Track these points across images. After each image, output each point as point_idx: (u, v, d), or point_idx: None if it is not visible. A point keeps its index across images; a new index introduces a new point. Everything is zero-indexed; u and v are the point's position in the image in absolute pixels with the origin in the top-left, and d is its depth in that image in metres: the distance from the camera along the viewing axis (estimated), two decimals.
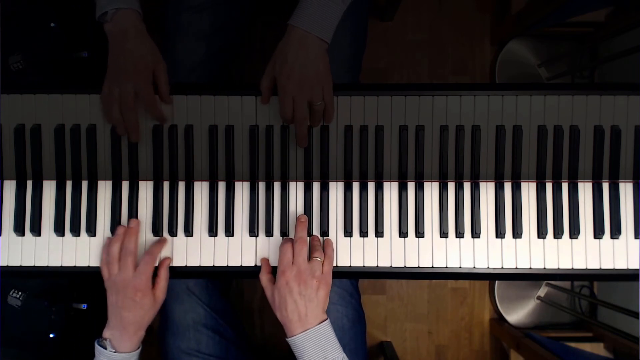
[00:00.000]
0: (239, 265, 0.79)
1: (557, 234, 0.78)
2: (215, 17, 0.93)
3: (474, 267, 0.79)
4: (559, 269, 0.78)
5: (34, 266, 0.78)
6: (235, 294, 1.50)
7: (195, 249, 0.79)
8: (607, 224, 0.79)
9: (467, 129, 0.78)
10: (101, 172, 0.79)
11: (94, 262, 0.78)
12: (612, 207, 0.79)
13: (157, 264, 0.77)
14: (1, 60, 0.94)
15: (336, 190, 0.79)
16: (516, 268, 0.79)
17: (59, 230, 0.78)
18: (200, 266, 0.79)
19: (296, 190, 0.80)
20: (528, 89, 0.79)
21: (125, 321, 0.73)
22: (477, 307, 1.53)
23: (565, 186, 0.79)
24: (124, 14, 0.73)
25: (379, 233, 0.78)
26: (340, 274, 0.79)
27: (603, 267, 0.79)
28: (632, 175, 0.79)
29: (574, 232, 0.78)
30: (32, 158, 0.78)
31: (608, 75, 1.47)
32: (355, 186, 0.79)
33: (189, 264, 0.78)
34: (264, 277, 0.76)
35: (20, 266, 0.78)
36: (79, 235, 0.78)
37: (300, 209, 0.79)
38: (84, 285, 1.02)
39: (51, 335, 0.98)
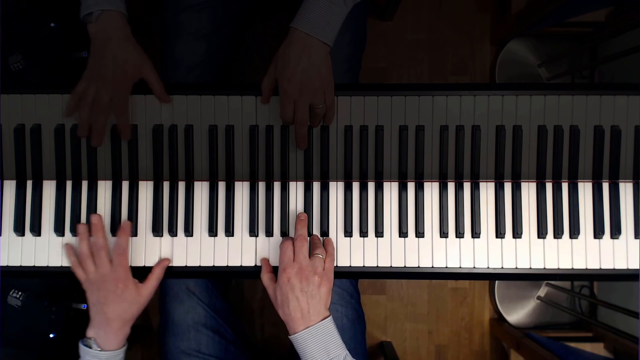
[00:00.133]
0: (239, 265, 0.79)
1: (557, 234, 0.78)
2: (214, 17, 0.93)
3: (474, 267, 0.79)
4: (559, 269, 0.78)
5: (34, 266, 0.78)
6: (235, 294, 1.50)
7: (195, 249, 0.79)
8: (607, 224, 0.79)
9: (467, 129, 0.78)
10: (101, 172, 0.79)
11: None
12: (612, 207, 0.79)
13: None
14: (1, 60, 0.94)
15: (336, 190, 0.79)
16: (516, 268, 0.79)
17: (59, 230, 0.78)
18: (200, 266, 0.79)
19: (296, 190, 0.80)
20: (528, 89, 0.78)
21: (108, 316, 0.72)
22: (477, 307, 1.53)
23: (565, 186, 0.79)
24: (108, 16, 0.73)
25: (379, 233, 0.78)
26: (340, 274, 0.79)
27: (603, 267, 0.79)
28: (632, 175, 0.79)
29: (574, 232, 0.78)
30: (32, 158, 0.78)
31: (608, 75, 1.47)
32: (355, 186, 0.79)
33: (188, 264, 0.78)
34: (265, 277, 0.75)
35: (20, 266, 0.78)
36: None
37: (300, 209, 0.79)
38: None
39: (51, 335, 0.98)
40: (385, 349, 1.45)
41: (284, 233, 0.79)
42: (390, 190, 0.79)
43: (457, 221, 0.78)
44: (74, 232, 0.78)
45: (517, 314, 1.52)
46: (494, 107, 0.79)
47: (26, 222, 0.78)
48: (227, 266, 0.78)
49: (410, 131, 0.78)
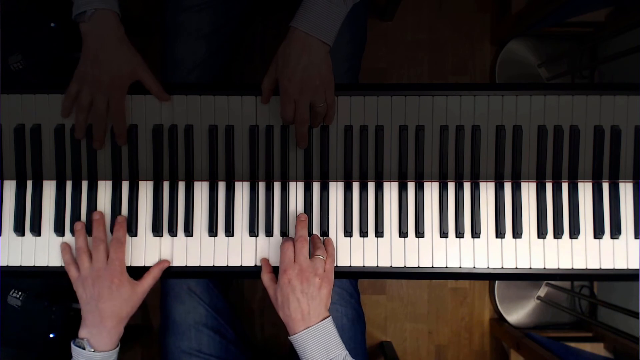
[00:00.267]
0: (239, 265, 0.79)
1: (557, 234, 0.78)
2: (214, 17, 0.93)
3: (474, 267, 0.79)
4: (559, 269, 0.78)
5: (34, 266, 0.78)
6: (235, 294, 1.50)
7: (195, 249, 0.79)
8: (607, 224, 0.79)
9: (467, 129, 0.78)
10: (101, 172, 0.79)
11: None
12: (612, 207, 0.79)
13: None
14: (1, 60, 0.94)
15: (336, 190, 0.79)
16: (516, 268, 0.79)
17: (59, 230, 0.78)
18: (200, 266, 0.79)
19: (296, 190, 0.80)
20: (528, 89, 0.78)
21: (103, 313, 0.71)
22: (477, 307, 1.53)
23: (565, 186, 0.79)
24: (102, 15, 0.71)
25: (379, 233, 0.78)
26: (340, 274, 0.79)
27: (603, 267, 0.79)
28: (632, 175, 0.79)
29: (574, 232, 0.78)
30: (32, 158, 0.78)
31: (608, 75, 1.47)
32: (355, 186, 0.79)
33: (188, 264, 0.78)
34: (266, 277, 0.75)
35: (20, 266, 0.78)
36: None
37: (300, 209, 0.79)
38: None
39: (51, 335, 0.98)
40: (385, 349, 1.45)
41: (284, 233, 0.79)
42: (390, 190, 0.79)
43: (457, 221, 0.78)
44: (73, 232, 0.78)
45: (517, 314, 1.52)
46: (494, 107, 0.79)
47: (26, 222, 0.78)
48: (227, 266, 0.78)
49: (410, 131, 0.78)
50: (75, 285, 0.74)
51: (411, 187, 0.79)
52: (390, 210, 0.79)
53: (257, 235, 0.79)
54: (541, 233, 0.78)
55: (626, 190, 0.79)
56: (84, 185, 0.79)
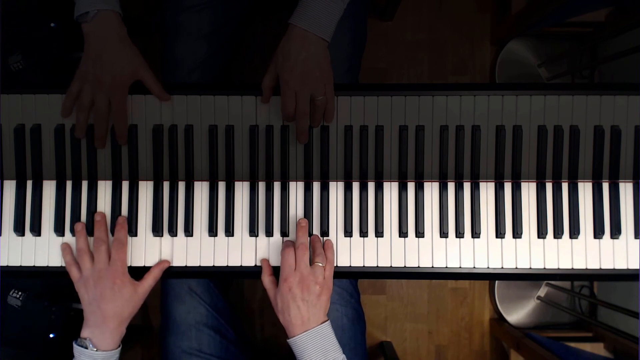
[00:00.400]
0: (239, 265, 0.79)
1: (557, 234, 0.78)
2: (214, 17, 0.93)
3: (474, 267, 0.79)
4: (559, 269, 0.78)
5: (34, 266, 0.78)
6: (235, 294, 1.50)
7: (195, 249, 0.79)
8: (607, 224, 0.79)
9: (467, 129, 0.78)
10: (101, 172, 0.79)
11: None
12: (612, 207, 0.79)
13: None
14: (1, 60, 0.94)
15: (336, 190, 0.79)
16: (516, 268, 0.79)
17: (59, 230, 0.78)
18: (200, 266, 0.79)
19: (296, 190, 0.80)
20: (528, 89, 0.79)
21: (105, 314, 0.71)
22: (477, 307, 1.53)
23: (565, 186, 0.79)
24: (105, 16, 0.72)
25: (379, 233, 0.78)
26: (340, 274, 0.79)
27: (603, 267, 0.79)
28: (632, 175, 0.79)
29: (574, 232, 0.78)
30: (32, 158, 0.78)
31: (608, 75, 1.47)
32: (355, 186, 0.79)
33: (189, 264, 0.78)
34: (266, 279, 0.76)
35: (20, 266, 0.78)
36: None
37: (300, 209, 0.79)
38: None
39: (51, 335, 0.98)
40: (385, 349, 1.45)
41: (284, 233, 0.79)
42: (390, 190, 0.79)
43: (457, 221, 0.79)
44: (74, 232, 0.78)
45: (517, 314, 1.52)
46: (494, 107, 0.79)
47: (26, 222, 0.78)
48: (227, 266, 0.79)
49: (410, 131, 0.78)
50: (77, 286, 0.74)
51: (411, 187, 0.79)
52: (390, 210, 0.79)
53: (257, 236, 0.79)
54: (541, 233, 0.78)
55: (626, 190, 0.79)
56: (84, 185, 0.79)
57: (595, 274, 0.79)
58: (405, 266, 0.79)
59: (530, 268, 0.79)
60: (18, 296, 0.98)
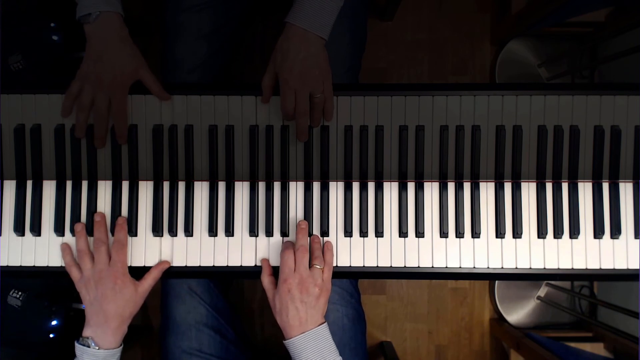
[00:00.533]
0: (239, 265, 0.79)
1: (557, 234, 0.78)
2: (214, 17, 0.93)
3: (474, 267, 0.79)
4: (559, 269, 0.78)
5: (34, 266, 0.78)
6: (235, 294, 1.50)
7: (195, 249, 0.79)
8: (607, 224, 0.79)
9: (467, 129, 0.78)
10: (101, 172, 0.79)
11: None
12: (612, 207, 0.79)
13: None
14: (1, 60, 0.94)
15: (336, 190, 0.79)
16: (516, 268, 0.79)
17: (59, 230, 0.78)
18: (200, 266, 0.79)
19: (296, 190, 0.80)
20: (528, 89, 0.79)
21: (107, 314, 0.72)
22: (477, 307, 1.53)
23: (565, 186, 0.79)
24: (107, 17, 0.72)
25: (379, 233, 0.78)
26: (340, 274, 0.79)
27: (603, 267, 0.79)
28: (632, 175, 0.79)
29: (574, 232, 0.78)
30: (32, 158, 0.78)
31: (608, 75, 1.47)
32: (355, 186, 0.79)
33: (189, 264, 0.78)
34: (266, 280, 0.76)
35: (20, 266, 0.78)
36: None
37: (300, 208, 0.79)
38: None
39: (51, 335, 0.98)
40: (385, 349, 1.45)
41: (284, 233, 0.79)
42: (390, 190, 0.79)
43: (457, 221, 0.79)
44: (74, 232, 0.78)
45: (517, 314, 1.52)
46: (494, 107, 0.79)
47: (26, 222, 0.78)
48: (227, 266, 0.79)
49: (410, 131, 0.78)
50: (78, 286, 0.75)
51: (411, 187, 0.79)
52: (390, 210, 0.79)
53: (257, 235, 0.79)
54: (541, 233, 0.78)
55: (626, 190, 0.79)
56: (84, 185, 0.79)
57: (595, 274, 0.79)
58: (405, 266, 0.79)
59: (530, 268, 0.79)
60: (18, 296, 0.98)
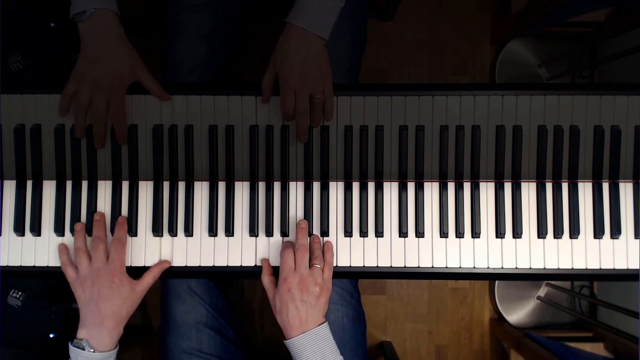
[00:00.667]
0: (239, 265, 0.79)
1: (557, 234, 0.78)
2: (214, 17, 0.93)
3: (474, 267, 0.79)
4: (559, 269, 0.78)
5: (34, 266, 0.78)
6: (235, 294, 1.50)
7: (195, 249, 0.79)
8: (607, 224, 0.79)
9: (467, 129, 0.78)
10: (101, 172, 0.79)
11: None
12: (612, 207, 0.79)
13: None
14: (1, 60, 0.94)
15: (336, 190, 0.79)
16: (516, 268, 0.79)
17: (59, 230, 0.78)
18: (200, 266, 0.79)
19: (296, 190, 0.80)
20: (528, 89, 0.79)
21: (103, 313, 0.70)
22: (477, 307, 1.53)
23: (565, 186, 0.79)
24: (101, 15, 0.70)
25: (379, 233, 0.78)
26: (340, 274, 0.79)
27: (603, 267, 0.79)
28: (632, 175, 0.79)
29: (574, 232, 0.78)
30: (32, 158, 0.78)
31: (608, 75, 1.47)
32: (355, 186, 0.79)
33: (188, 264, 0.78)
34: (266, 279, 0.76)
35: (20, 266, 0.78)
36: None
37: (300, 208, 0.79)
38: None
39: (51, 335, 0.98)
40: (385, 349, 1.45)
41: (284, 233, 0.79)
42: (390, 190, 0.79)
43: (457, 221, 0.78)
44: (74, 232, 0.77)
45: (517, 314, 1.52)
46: (494, 107, 0.79)
47: (26, 222, 0.78)
48: (227, 266, 0.79)
49: (410, 131, 0.78)
50: (73, 286, 0.74)
51: (411, 187, 0.79)
52: (390, 210, 0.79)
53: (257, 235, 0.79)
54: (541, 233, 0.78)
55: (626, 190, 0.79)
56: (84, 185, 0.79)
57: (595, 274, 0.79)
58: (405, 266, 0.79)
59: (530, 268, 0.79)
60: (18, 296, 0.98)
